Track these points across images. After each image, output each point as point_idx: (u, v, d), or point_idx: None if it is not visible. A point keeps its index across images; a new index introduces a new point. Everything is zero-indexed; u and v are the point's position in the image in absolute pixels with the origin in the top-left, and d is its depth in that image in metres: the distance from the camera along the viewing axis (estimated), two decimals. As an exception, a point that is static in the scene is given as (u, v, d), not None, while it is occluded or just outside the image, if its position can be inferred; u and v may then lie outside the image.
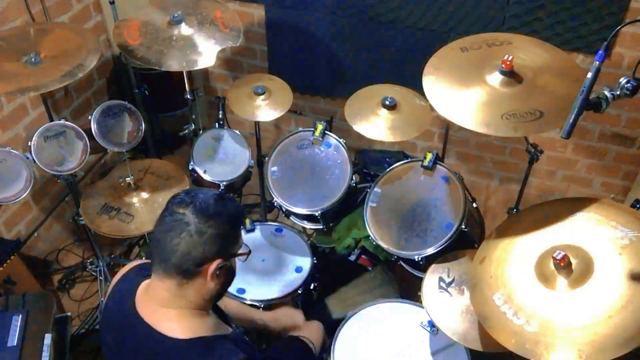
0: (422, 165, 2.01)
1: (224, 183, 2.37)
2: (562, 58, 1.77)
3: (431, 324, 1.88)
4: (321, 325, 1.98)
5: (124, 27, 2.25)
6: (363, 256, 2.49)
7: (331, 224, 2.24)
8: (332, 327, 1.96)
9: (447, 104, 1.65)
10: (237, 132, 2.45)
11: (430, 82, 1.72)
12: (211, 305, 1.34)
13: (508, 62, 1.63)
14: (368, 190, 2.08)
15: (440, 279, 1.84)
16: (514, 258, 1.51)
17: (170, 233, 1.20)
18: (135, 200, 2.38)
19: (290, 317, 1.88)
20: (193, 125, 2.60)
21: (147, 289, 1.31)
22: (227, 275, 1.31)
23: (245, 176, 2.45)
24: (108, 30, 3.22)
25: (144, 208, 2.34)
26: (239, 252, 1.31)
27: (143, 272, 1.37)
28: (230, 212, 1.26)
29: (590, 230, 1.44)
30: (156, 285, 1.26)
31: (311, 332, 1.92)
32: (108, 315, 1.40)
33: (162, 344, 1.23)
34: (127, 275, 1.42)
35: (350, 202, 2.25)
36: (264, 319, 1.85)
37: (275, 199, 2.16)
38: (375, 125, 2.11)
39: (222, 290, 1.32)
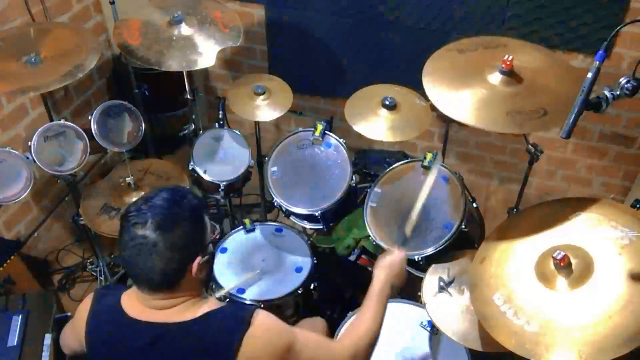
0: (422, 165, 2.01)
1: (224, 183, 2.37)
2: (556, 60, 1.79)
3: (431, 324, 1.88)
4: (324, 322, 1.98)
5: (124, 27, 2.25)
6: (363, 256, 2.49)
7: (331, 224, 2.24)
8: (332, 326, 1.96)
9: (451, 104, 1.66)
10: (237, 132, 2.45)
11: (431, 84, 1.73)
12: (204, 288, 1.34)
13: (508, 62, 1.64)
14: (368, 190, 2.08)
15: (440, 279, 1.84)
16: (514, 258, 1.52)
17: (140, 257, 1.17)
18: (135, 200, 2.37)
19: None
20: (193, 125, 2.60)
21: (138, 299, 1.29)
22: (209, 262, 1.31)
23: (245, 176, 2.45)
24: (108, 30, 3.21)
25: (144, 208, 2.34)
26: (211, 237, 1.29)
27: (114, 289, 1.36)
28: (189, 210, 1.22)
29: (590, 230, 1.45)
30: (147, 298, 1.25)
31: (314, 329, 1.92)
32: (99, 340, 1.32)
33: (179, 330, 1.23)
34: (97, 299, 1.36)
35: (350, 202, 2.25)
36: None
37: (275, 199, 2.16)
38: (375, 125, 2.11)
39: (209, 275, 1.34)
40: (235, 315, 1.25)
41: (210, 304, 1.29)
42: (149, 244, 1.16)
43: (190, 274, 1.23)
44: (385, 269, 1.52)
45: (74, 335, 1.41)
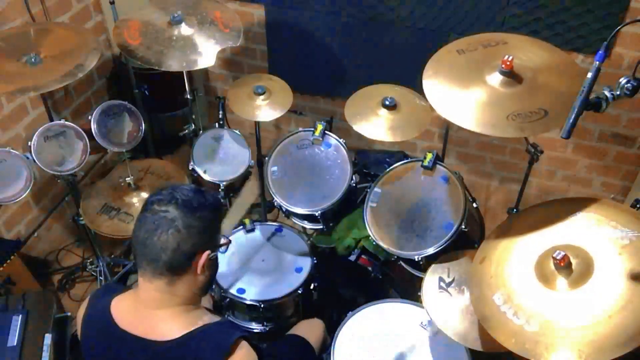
0: (422, 165, 2.01)
1: (224, 183, 2.37)
2: (558, 55, 1.77)
3: (431, 324, 1.88)
4: (322, 323, 1.98)
5: (124, 27, 2.25)
6: (363, 256, 2.49)
7: (331, 224, 2.24)
8: (332, 326, 1.96)
9: (451, 108, 1.65)
10: (237, 132, 2.45)
11: (431, 87, 1.72)
12: (201, 298, 1.34)
13: (508, 63, 1.63)
14: (368, 190, 2.08)
15: (440, 279, 1.84)
16: (514, 258, 1.51)
17: (156, 232, 1.19)
18: (135, 200, 2.38)
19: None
20: (193, 125, 2.60)
21: (130, 298, 1.31)
22: (214, 266, 1.33)
23: (245, 176, 2.45)
24: (108, 30, 3.22)
25: (144, 208, 2.34)
26: (222, 242, 1.33)
27: (108, 292, 1.37)
28: (212, 202, 1.28)
29: (590, 230, 1.44)
30: (146, 287, 1.25)
31: (311, 329, 1.93)
32: (89, 346, 1.34)
33: (156, 351, 1.22)
34: (92, 302, 1.38)
35: (350, 202, 2.25)
36: None
37: (275, 199, 2.16)
38: (375, 125, 2.11)
39: (210, 282, 1.34)
40: (217, 342, 1.24)
41: (198, 318, 1.28)
42: (169, 219, 1.20)
43: (195, 270, 1.24)
44: None
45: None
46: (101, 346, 1.31)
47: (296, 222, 2.26)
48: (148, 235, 1.20)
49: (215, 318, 1.31)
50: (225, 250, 1.35)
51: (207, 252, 1.25)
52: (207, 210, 1.25)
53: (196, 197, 1.25)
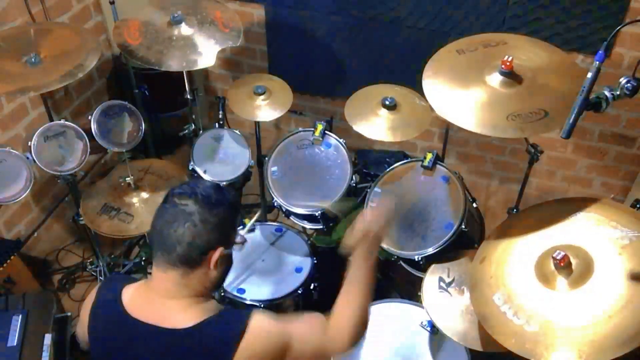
0: (422, 165, 2.01)
1: (224, 183, 2.37)
2: (558, 55, 1.78)
3: (431, 324, 1.88)
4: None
5: (124, 27, 2.25)
6: (363, 256, 2.49)
7: (331, 224, 2.24)
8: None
9: (451, 108, 1.65)
10: (237, 132, 2.45)
11: (431, 87, 1.72)
12: (212, 294, 1.35)
13: (508, 63, 1.63)
14: (368, 190, 2.08)
15: (440, 279, 1.84)
16: (514, 258, 1.52)
17: (174, 224, 1.22)
18: (135, 200, 2.38)
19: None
20: (193, 125, 2.60)
21: (142, 288, 1.32)
22: (227, 263, 1.35)
23: (245, 176, 2.45)
24: (108, 30, 3.22)
25: (144, 208, 2.34)
26: (237, 240, 1.35)
27: (117, 282, 1.37)
28: (230, 200, 1.31)
29: (590, 230, 1.45)
30: (160, 277, 1.27)
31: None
32: (97, 336, 1.34)
33: (171, 338, 1.23)
34: (100, 292, 1.38)
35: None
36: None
37: (275, 199, 2.16)
38: (375, 125, 2.11)
39: (222, 278, 1.35)
40: (230, 324, 1.25)
41: (209, 308, 1.29)
42: (187, 212, 1.23)
43: (208, 265, 1.26)
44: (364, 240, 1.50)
45: (82, 330, 1.42)
46: (111, 335, 1.31)
47: (296, 222, 2.26)
48: (165, 227, 1.23)
49: (222, 308, 1.32)
50: (241, 249, 1.36)
51: (221, 248, 1.27)
52: (224, 207, 1.28)
53: (216, 194, 1.28)
